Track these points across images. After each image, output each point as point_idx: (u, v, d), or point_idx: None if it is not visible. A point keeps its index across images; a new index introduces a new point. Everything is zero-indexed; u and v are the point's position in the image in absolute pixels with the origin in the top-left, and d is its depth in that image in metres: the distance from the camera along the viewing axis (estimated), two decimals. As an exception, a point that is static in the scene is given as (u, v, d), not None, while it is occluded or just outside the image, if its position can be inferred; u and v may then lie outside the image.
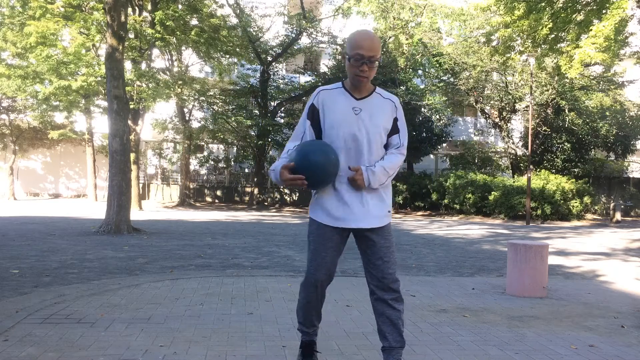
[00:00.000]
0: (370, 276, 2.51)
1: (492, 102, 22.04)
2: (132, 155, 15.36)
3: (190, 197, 24.51)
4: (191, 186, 25.09)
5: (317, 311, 2.56)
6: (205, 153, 26.44)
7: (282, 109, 24.46)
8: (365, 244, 2.45)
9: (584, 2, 11.51)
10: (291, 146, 2.46)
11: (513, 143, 22.05)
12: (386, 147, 2.46)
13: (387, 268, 2.46)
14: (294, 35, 22.23)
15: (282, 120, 23.57)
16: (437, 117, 22.16)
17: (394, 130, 2.45)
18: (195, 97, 22.61)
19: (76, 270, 5.70)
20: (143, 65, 19.13)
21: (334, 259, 2.46)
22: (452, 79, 21.74)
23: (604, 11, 10.84)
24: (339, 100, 2.41)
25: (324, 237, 2.41)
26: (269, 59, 22.59)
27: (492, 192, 18.91)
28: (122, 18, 10.54)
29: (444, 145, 24.64)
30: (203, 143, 26.35)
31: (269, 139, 22.44)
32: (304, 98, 24.28)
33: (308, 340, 2.59)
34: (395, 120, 2.45)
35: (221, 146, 26.68)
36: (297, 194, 25.44)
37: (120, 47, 10.40)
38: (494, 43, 16.70)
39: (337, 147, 2.36)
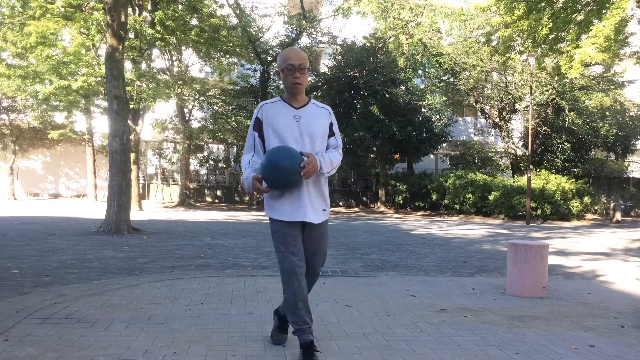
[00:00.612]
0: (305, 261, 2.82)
1: (492, 102, 22.04)
2: (132, 155, 15.37)
3: (190, 197, 24.51)
4: (191, 186, 25.09)
5: (305, 305, 2.73)
6: (205, 153, 26.44)
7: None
8: (308, 236, 2.81)
9: (584, 2, 11.51)
10: (249, 157, 2.82)
11: (513, 143, 22.05)
12: (326, 148, 2.86)
13: (319, 260, 2.89)
14: (294, 35, 22.23)
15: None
16: (437, 117, 22.15)
17: (331, 133, 2.87)
18: (195, 97, 22.60)
19: (76, 270, 5.70)
20: (143, 65, 19.12)
21: (301, 248, 2.77)
22: (452, 79, 21.74)
23: (604, 11, 10.84)
24: (281, 111, 2.77)
25: (287, 231, 2.74)
26: (269, 59, 22.58)
27: (492, 192, 18.92)
28: (122, 18, 10.53)
29: (444, 145, 24.64)
30: (203, 143, 26.35)
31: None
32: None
33: (307, 340, 2.69)
34: (331, 125, 2.87)
35: (221, 146, 26.68)
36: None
37: (120, 47, 10.40)
38: (494, 43, 16.69)
39: None
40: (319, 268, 2.94)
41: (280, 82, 22.95)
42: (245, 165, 2.80)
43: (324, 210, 2.85)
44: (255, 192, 2.78)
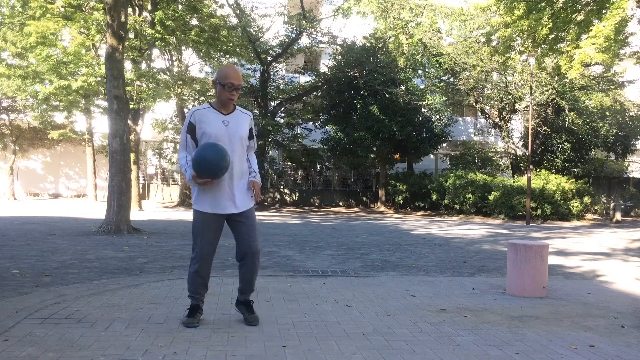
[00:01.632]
0: (242, 249, 3.38)
1: (492, 102, 22.03)
2: (132, 155, 15.36)
3: (190, 197, 24.49)
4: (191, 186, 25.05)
5: (204, 283, 3.41)
6: (205, 153, 26.38)
7: (282, 109, 24.45)
8: (236, 225, 3.38)
9: (584, 2, 11.50)
10: (183, 154, 3.35)
11: (513, 143, 22.05)
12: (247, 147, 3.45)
13: (252, 241, 3.38)
14: (294, 35, 22.22)
15: (282, 120, 23.56)
16: (437, 117, 22.14)
17: (251, 136, 3.44)
18: (195, 97, 22.58)
19: (76, 270, 5.71)
20: (143, 65, 19.12)
21: (217, 238, 3.38)
22: (452, 79, 21.73)
23: (604, 11, 10.84)
24: (211, 117, 3.30)
25: (209, 223, 3.31)
26: (269, 59, 22.58)
27: (492, 192, 18.91)
28: (122, 18, 10.53)
29: (444, 145, 24.63)
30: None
31: (269, 139, 22.43)
32: (304, 98, 24.27)
33: (196, 304, 3.41)
34: (251, 129, 3.45)
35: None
36: (297, 195, 25.44)
37: (120, 47, 10.40)
38: (494, 43, 16.68)
39: None
40: (256, 252, 3.41)
41: (280, 83, 22.93)
42: (184, 163, 3.33)
43: (247, 201, 3.39)
44: (198, 186, 3.28)
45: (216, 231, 3.35)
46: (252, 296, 3.93)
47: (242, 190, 3.36)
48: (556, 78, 19.42)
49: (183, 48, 21.89)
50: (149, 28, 17.76)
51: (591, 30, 10.61)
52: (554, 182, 18.93)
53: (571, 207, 18.74)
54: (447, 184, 20.20)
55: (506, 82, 21.12)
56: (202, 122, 3.27)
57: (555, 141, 21.26)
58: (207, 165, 3.12)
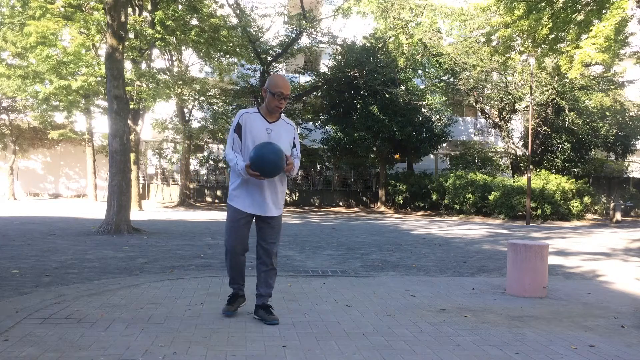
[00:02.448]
0: (261, 248, 3.57)
1: (492, 102, 22.03)
2: (132, 155, 15.36)
3: (190, 197, 24.50)
4: (191, 186, 25.08)
5: (239, 273, 3.63)
6: (205, 153, 26.44)
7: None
8: (263, 227, 3.55)
9: (584, 2, 11.50)
10: (230, 151, 3.47)
11: (513, 143, 22.04)
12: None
13: (273, 247, 3.57)
14: (294, 35, 22.21)
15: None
16: (437, 117, 22.15)
17: (294, 145, 3.58)
18: (195, 97, 22.58)
19: (76, 270, 5.70)
20: (143, 65, 19.11)
21: (246, 234, 3.54)
22: (452, 79, 21.72)
23: (604, 11, 10.83)
24: (257, 122, 3.45)
25: (240, 219, 3.49)
26: (269, 59, 22.57)
27: (492, 192, 18.91)
28: (122, 18, 10.53)
29: (444, 145, 24.64)
30: (203, 143, 26.36)
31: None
32: (304, 98, 24.26)
33: (235, 292, 3.68)
34: (294, 138, 3.58)
35: (221, 146, 26.68)
36: (297, 194, 25.44)
37: (120, 47, 10.40)
38: (494, 43, 16.68)
39: None
40: (274, 256, 3.59)
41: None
42: (232, 158, 3.44)
43: (277, 208, 3.56)
44: (245, 177, 3.40)
45: (245, 226, 3.53)
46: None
47: (277, 196, 3.55)
48: (556, 78, 19.42)
49: (183, 48, 21.89)
50: (149, 28, 17.76)
51: (591, 30, 10.60)
52: (554, 182, 18.93)
53: (571, 207, 18.74)
54: (447, 184, 20.20)
55: (506, 82, 21.12)
56: (248, 125, 3.44)
57: (555, 141, 21.26)
58: (267, 165, 3.28)
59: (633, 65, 16.59)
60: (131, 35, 17.41)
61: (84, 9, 18.26)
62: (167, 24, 17.70)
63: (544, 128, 20.55)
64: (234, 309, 3.63)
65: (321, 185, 26.42)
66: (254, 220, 3.58)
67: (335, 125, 22.81)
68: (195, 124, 23.56)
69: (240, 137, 3.47)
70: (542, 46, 12.93)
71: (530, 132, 18.45)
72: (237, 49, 20.80)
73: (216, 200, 25.65)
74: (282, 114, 3.57)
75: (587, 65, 16.55)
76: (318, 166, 26.60)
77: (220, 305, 3.93)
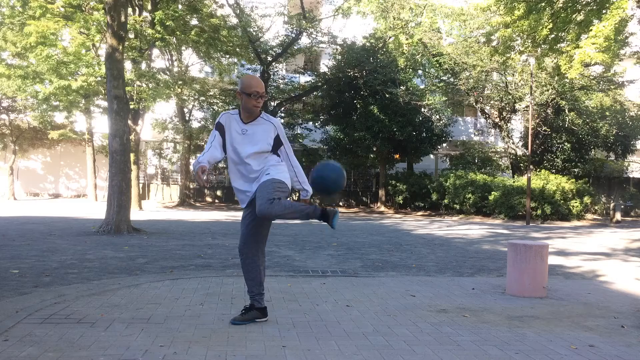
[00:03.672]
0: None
1: (492, 102, 22.03)
2: (132, 155, 15.36)
3: (190, 197, 24.51)
4: (191, 186, 25.09)
5: (252, 278, 3.45)
6: (205, 153, 26.37)
7: (282, 109, 24.45)
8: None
9: (584, 2, 11.50)
10: (208, 146, 3.40)
11: (513, 143, 22.04)
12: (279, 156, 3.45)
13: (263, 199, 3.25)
14: (294, 35, 22.22)
15: (282, 120, 23.57)
16: (437, 117, 22.14)
17: (279, 143, 3.42)
18: (195, 97, 22.60)
19: (76, 270, 5.70)
20: (143, 65, 19.11)
21: (250, 234, 3.48)
22: (452, 79, 21.72)
23: (604, 11, 10.83)
24: (234, 124, 3.41)
25: (243, 217, 3.51)
26: (269, 59, 22.57)
27: (492, 192, 18.91)
28: (122, 18, 10.53)
29: (444, 145, 24.63)
30: (203, 143, 26.33)
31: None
32: (304, 98, 24.26)
33: (252, 303, 3.47)
34: (278, 135, 3.41)
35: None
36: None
37: (120, 47, 10.40)
38: (494, 43, 16.69)
39: (235, 159, 3.38)
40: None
41: (280, 83, 22.92)
42: (204, 151, 3.37)
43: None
44: (197, 178, 3.23)
45: (248, 224, 3.47)
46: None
47: (264, 180, 3.38)
48: (556, 78, 19.40)
49: (183, 48, 21.90)
50: (149, 28, 17.76)
51: (591, 30, 10.60)
52: (554, 182, 18.92)
53: (571, 207, 18.74)
54: (447, 184, 20.20)
55: (506, 82, 21.12)
56: (227, 125, 3.42)
57: (555, 141, 21.25)
58: (329, 184, 3.31)
59: (633, 65, 16.59)
60: (131, 35, 17.41)
61: (84, 9, 18.26)
62: (167, 24, 17.70)
63: (544, 128, 20.54)
64: (242, 319, 3.43)
65: (321, 185, 26.36)
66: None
67: (335, 125, 22.81)
68: (195, 124, 23.57)
69: (223, 136, 3.43)
70: (542, 46, 12.93)
71: (530, 132, 18.44)
72: (237, 49, 20.81)
73: (216, 200, 25.64)
74: (263, 112, 3.47)
75: (587, 65, 16.56)
76: (318, 166, 26.55)
77: (220, 305, 3.93)
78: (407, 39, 21.78)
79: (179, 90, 20.49)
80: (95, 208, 18.08)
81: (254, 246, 3.47)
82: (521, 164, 21.83)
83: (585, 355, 2.96)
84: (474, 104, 21.94)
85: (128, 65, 17.83)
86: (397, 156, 23.00)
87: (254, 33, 21.51)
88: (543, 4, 11.47)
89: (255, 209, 3.22)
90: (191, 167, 3.31)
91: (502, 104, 21.68)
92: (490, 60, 18.47)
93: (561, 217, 18.52)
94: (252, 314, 3.45)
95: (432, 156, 26.03)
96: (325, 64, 25.15)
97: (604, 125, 21.14)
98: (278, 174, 3.30)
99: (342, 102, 22.21)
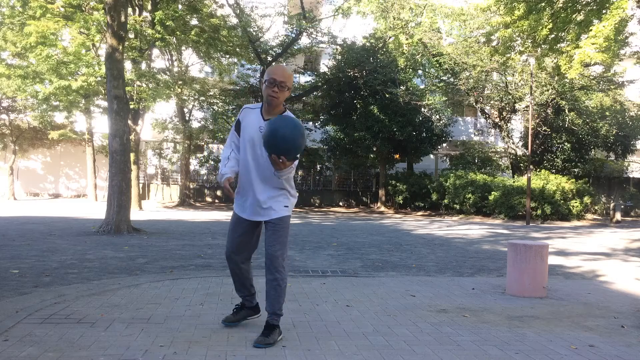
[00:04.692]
0: (265, 252, 3.14)
1: (492, 102, 22.03)
2: (132, 155, 15.36)
3: (190, 197, 24.50)
4: (191, 186, 25.09)
5: (240, 282, 3.31)
6: (205, 153, 26.43)
7: (282, 109, 24.41)
8: (266, 229, 3.14)
9: (584, 2, 11.49)
10: (228, 152, 3.20)
11: (513, 143, 22.04)
12: None
13: (272, 250, 3.09)
14: (294, 35, 22.21)
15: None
16: (437, 117, 22.14)
17: None
18: (195, 97, 22.58)
19: (76, 270, 5.70)
20: (143, 65, 19.11)
21: (245, 240, 3.22)
22: (452, 79, 21.72)
23: (604, 11, 10.82)
24: (253, 119, 3.11)
25: (235, 223, 3.22)
26: (269, 59, 22.56)
27: (492, 192, 18.91)
28: (122, 18, 10.53)
29: (444, 145, 24.63)
30: (203, 143, 26.36)
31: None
32: (304, 98, 24.26)
33: (242, 302, 3.40)
34: None
35: (221, 146, 26.67)
36: (297, 194, 25.40)
37: (120, 47, 10.40)
38: (494, 43, 16.68)
39: (248, 157, 3.09)
40: (276, 262, 3.10)
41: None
42: (224, 158, 3.20)
43: (280, 210, 3.13)
44: (226, 192, 3.08)
45: (243, 234, 3.20)
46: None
47: (270, 196, 3.10)
48: (556, 78, 19.40)
49: (183, 48, 21.89)
50: (149, 28, 17.76)
51: (591, 30, 10.59)
52: (554, 182, 18.92)
53: (571, 207, 18.73)
54: (447, 184, 20.20)
55: (506, 82, 21.12)
56: (245, 120, 3.15)
57: (555, 141, 21.25)
58: (280, 142, 2.84)
59: (633, 65, 16.58)
60: (131, 35, 17.42)
61: (84, 9, 18.26)
62: (167, 24, 17.70)
63: (544, 128, 20.54)
64: (234, 319, 3.35)
65: (321, 185, 26.42)
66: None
67: (335, 125, 22.80)
68: (195, 124, 23.56)
69: (240, 134, 3.18)
70: (542, 46, 12.92)
71: (530, 132, 18.44)
72: (237, 49, 20.81)
73: (216, 200, 25.64)
74: (287, 111, 3.15)
75: (587, 65, 16.57)
76: (318, 166, 26.60)
77: (220, 305, 3.93)
78: (407, 39, 21.78)
79: (179, 90, 20.49)
80: (95, 208, 18.08)
81: (245, 255, 3.28)
82: (521, 164, 21.84)
83: (585, 355, 2.96)
84: (474, 104, 21.94)
85: (128, 65, 17.83)
86: (397, 156, 23.00)
87: (254, 33, 21.50)
88: (543, 4, 11.46)
89: (266, 247, 3.07)
90: (217, 178, 3.01)
91: (502, 104, 21.68)
92: (490, 60, 18.47)
93: (561, 217, 18.52)
94: (244, 313, 3.39)
95: (432, 156, 26.03)
96: (325, 64, 25.15)
97: (604, 125, 21.14)
98: (290, 207, 3.17)
99: (342, 102, 22.22)
